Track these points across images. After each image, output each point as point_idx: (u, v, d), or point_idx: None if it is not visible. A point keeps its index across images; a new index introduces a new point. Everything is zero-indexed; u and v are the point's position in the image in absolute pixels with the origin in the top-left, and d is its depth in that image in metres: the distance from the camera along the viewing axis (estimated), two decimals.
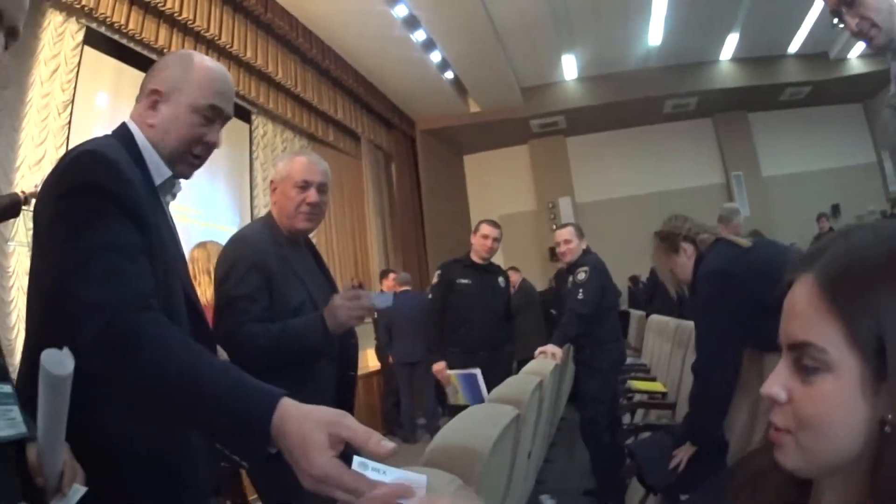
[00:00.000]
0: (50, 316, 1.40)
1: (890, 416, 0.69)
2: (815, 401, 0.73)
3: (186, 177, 1.82)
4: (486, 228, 4.91)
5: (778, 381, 0.77)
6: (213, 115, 1.78)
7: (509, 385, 2.70)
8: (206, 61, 1.81)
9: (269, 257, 2.43)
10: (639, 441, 3.46)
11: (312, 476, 1.00)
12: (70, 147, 6.18)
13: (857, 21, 2.17)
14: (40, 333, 1.47)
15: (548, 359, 4.17)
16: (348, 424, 1.03)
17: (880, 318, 0.70)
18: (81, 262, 1.33)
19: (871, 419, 0.70)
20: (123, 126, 1.72)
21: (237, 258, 2.42)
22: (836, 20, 2.21)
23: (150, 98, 1.72)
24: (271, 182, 2.65)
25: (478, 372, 4.19)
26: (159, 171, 1.69)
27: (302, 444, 1.02)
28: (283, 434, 1.06)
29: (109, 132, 1.71)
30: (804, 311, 0.76)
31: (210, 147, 1.80)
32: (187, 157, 1.76)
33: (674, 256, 2.99)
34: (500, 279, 5.03)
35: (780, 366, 0.79)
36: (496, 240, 4.92)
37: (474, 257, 4.93)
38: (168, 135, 1.71)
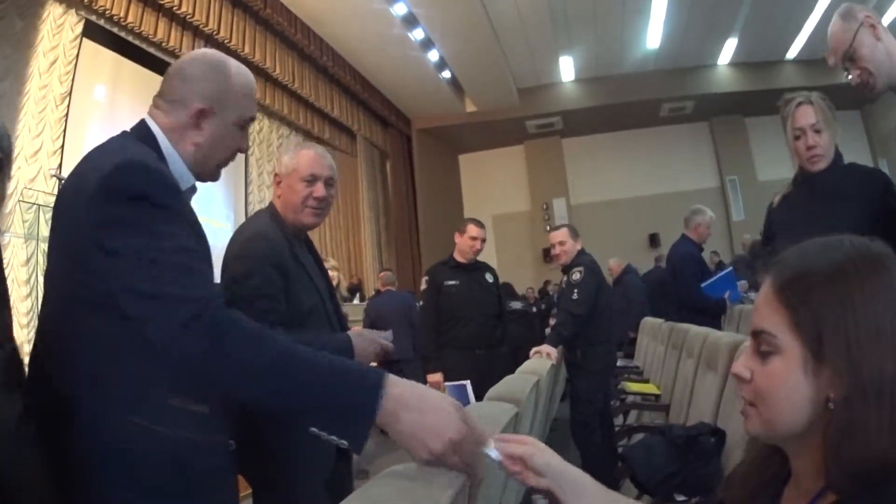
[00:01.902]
0: (91, 315, 1.39)
1: (832, 395, 0.84)
2: (767, 377, 0.90)
3: (214, 180, 1.80)
4: (473, 230, 4.85)
5: (743, 363, 0.94)
6: (250, 124, 1.79)
7: (507, 383, 2.69)
8: (240, 69, 1.77)
9: (287, 257, 2.34)
10: (631, 444, 3.46)
11: (451, 439, 1.07)
12: (66, 139, 6.17)
13: (857, 73, 2.35)
14: (74, 331, 1.42)
15: (543, 358, 4.17)
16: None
17: (819, 313, 0.86)
18: (154, 262, 1.31)
19: (815, 395, 0.86)
20: (146, 128, 1.65)
21: (260, 256, 2.28)
22: (846, 73, 2.38)
23: (194, 116, 1.64)
24: (276, 175, 2.51)
25: (467, 383, 4.26)
26: (183, 179, 1.64)
27: (436, 410, 1.09)
28: (404, 406, 1.10)
29: (128, 131, 1.66)
30: (762, 306, 0.93)
31: (239, 153, 1.79)
32: (220, 167, 1.77)
33: None
34: (488, 275, 4.96)
35: (746, 350, 0.96)
36: (483, 240, 4.89)
37: (459, 258, 4.87)
38: (214, 153, 1.71)
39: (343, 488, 2.30)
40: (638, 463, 2.92)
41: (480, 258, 4.96)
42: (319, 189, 2.44)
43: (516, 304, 9.82)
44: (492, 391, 2.49)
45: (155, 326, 1.25)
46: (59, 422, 1.36)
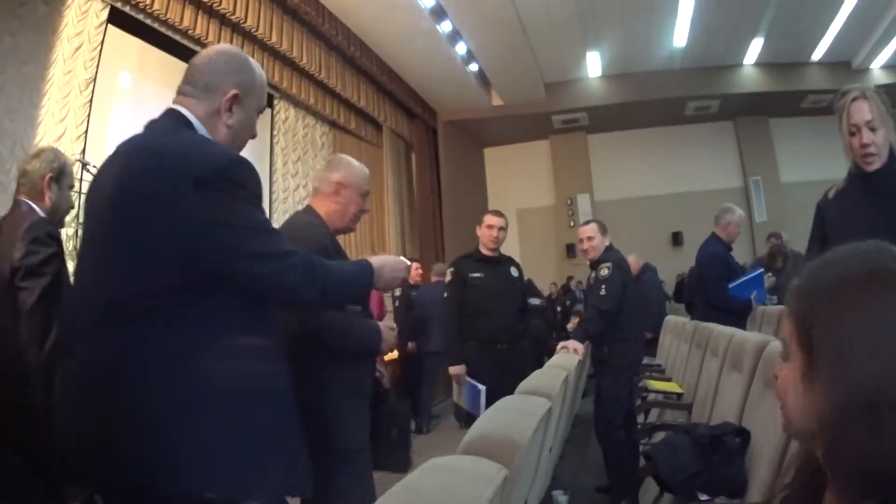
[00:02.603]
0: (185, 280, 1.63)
1: (825, 406, 0.86)
2: (781, 381, 0.96)
3: None
4: (489, 218, 4.87)
5: (778, 365, 0.99)
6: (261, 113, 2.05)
7: (537, 378, 2.72)
8: (257, 63, 2.04)
9: (332, 251, 2.62)
10: (656, 443, 3.47)
11: (405, 267, 2.28)
12: (90, 125, 6.21)
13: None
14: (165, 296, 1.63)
15: (570, 354, 4.19)
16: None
17: (814, 325, 0.88)
18: (258, 231, 1.75)
19: (813, 405, 0.88)
20: (181, 116, 1.84)
21: (312, 237, 2.56)
22: None
23: (229, 100, 1.87)
24: (338, 183, 2.77)
25: (483, 389, 4.36)
26: None
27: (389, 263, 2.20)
28: (380, 267, 2.15)
29: (167, 119, 1.86)
30: (785, 315, 0.96)
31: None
32: (240, 151, 1.96)
33: None
34: (513, 269, 4.96)
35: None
36: (502, 229, 4.87)
37: (483, 250, 4.88)
38: (239, 136, 1.95)
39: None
40: (662, 461, 2.92)
41: (506, 252, 4.97)
42: (367, 204, 2.88)
43: (535, 301, 9.86)
44: (523, 385, 2.52)
45: (283, 276, 1.75)
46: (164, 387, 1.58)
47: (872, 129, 2.51)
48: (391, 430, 4.81)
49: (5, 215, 2.93)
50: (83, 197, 4.18)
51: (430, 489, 1.04)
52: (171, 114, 1.86)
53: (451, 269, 4.94)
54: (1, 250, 2.68)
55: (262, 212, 1.81)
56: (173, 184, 1.63)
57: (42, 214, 2.85)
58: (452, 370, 4.70)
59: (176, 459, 1.54)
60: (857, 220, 2.52)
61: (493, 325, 4.67)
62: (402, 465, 4.46)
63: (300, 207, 2.56)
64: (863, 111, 2.51)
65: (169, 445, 1.54)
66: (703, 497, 2.66)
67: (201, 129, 1.83)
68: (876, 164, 2.55)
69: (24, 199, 2.88)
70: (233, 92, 1.87)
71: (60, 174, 2.95)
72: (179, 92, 1.90)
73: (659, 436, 3.98)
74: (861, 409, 0.81)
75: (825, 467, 0.89)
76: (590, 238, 4.92)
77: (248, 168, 1.75)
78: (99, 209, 1.76)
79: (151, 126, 1.87)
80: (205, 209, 1.62)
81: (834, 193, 2.82)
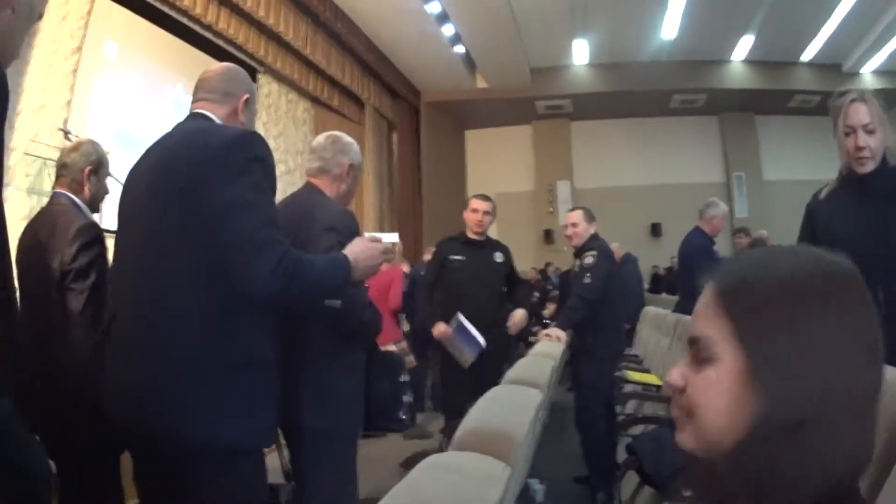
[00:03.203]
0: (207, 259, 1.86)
1: (756, 413, 0.78)
2: (702, 385, 0.83)
3: None
4: (475, 202, 4.78)
5: (678, 371, 0.87)
6: None
7: (525, 367, 2.68)
8: None
9: None
10: (640, 436, 3.44)
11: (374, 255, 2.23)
12: (74, 94, 6.14)
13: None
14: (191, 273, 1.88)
15: (552, 341, 4.14)
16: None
17: (758, 325, 0.80)
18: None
19: (745, 411, 0.79)
20: (207, 116, 2.18)
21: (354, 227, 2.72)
22: None
23: (244, 103, 2.29)
24: (350, 166, 2.93)
25: (460, 316, 4.45)
26: None
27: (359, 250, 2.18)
28: (354, 258, 2.14)
29: (194, 119, 2.19)
30: (704, 312, 0.86)
31: None
32: None
33: None
34: (498, 254, 4.87)
35: (682, 359, 0.89)
36: (487, 213, 4.75)
37: (469, 233, 4.80)
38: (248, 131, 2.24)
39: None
40: (647, 456, 2.91)
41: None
42: None
43: None
44: (511, 375, 2.48)
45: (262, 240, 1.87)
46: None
47: (869, 132, 2.49)
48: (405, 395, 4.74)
49: (44, 208, 3.11)
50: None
51: (436, 491, 0.98)
52: (198, 116, 2.19)
53: (433, 249, 4.91)
54: (44, 242, 2.85)
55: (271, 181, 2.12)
56: (207, 162, 1.91)
57: (83, 206, 3.03)
58: (436, 331, 4.61)
59: (215, 411, 1.86)
60: (850, 221, 2.51)
61: (471, 310, 4.57)
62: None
63: (280, 182, 2.48)
64: (860, 113, 2.49)
65: (209, 399, 1.85)
66: (688, 493, 2.63)
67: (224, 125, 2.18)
68: (869, 167, 2.53)
69: (64, 191, 3.03)
70: (246, 96, 2.30)
71: (99, 165, 3.10)
72: (200, 98, 2.23)
73: (638, 428, 3.96)
74: (790, 423, 0.76)
75: (730, 483, 0.80)
76: (574, 224, 4.86)
77: (261, 139, 2.12)
78: (138, 197, 2.01)
79: (183, 125, 2.18)
80: (227, 184, 1.89)
81: (826, 194, 2.79)
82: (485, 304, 4.65)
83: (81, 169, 3.02)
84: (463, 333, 4.44)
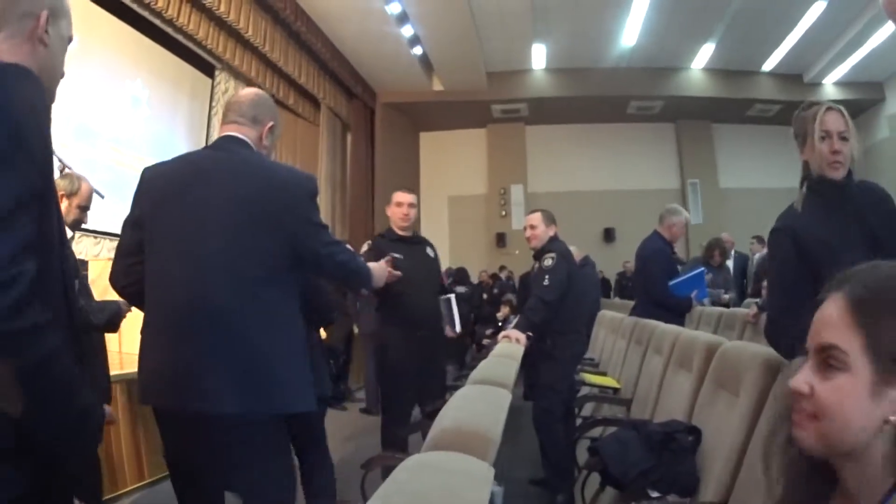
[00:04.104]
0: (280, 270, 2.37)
1: (892, 417, 0.86)
2: (833, 393, 0.90)
3: None
4: (398, 195, 4.61)
5: (803, 378, 0.94)
6: None
7: (489, 368, 2.66)
8: None
9: None
10: (604, 438, 3.43)
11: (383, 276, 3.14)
12: None
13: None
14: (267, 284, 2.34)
15: (512, 343, 4.11)
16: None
17: (893, 338, 0.87)
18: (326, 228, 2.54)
19: (878, 415, 0.87)
20: (242, 140, 2.50)
21: None
22: None
23: (268, 129, 2.59)
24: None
25: (452, 297, 4.82)
26: None
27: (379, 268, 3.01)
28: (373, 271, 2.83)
29: (231, 140, 2.50)
30: (833, 322, 0.92)
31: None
32: None
33: None
34: (429, 249, 4.74)
35: (805, 366, 0.96)
36: (412, 205, 4.60)
37: (395, 230, 4.61)
38: (271, 154, 2.74)
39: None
40: (612, 457, 2.88)
41: (436, 238, 4.82)
42: None
43: (461, 289, 9.82)
44: (476, 375, 2.44)
45: (341, 257, 2.52)
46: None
47: (843, 139, 2.52)
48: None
49: None
50: None
51: (428, 490, 0.94)
52: (234, 138, 2.49)
53: (369, 243, 4.77)
54: None
55: None
56: (297, 197, 2.40)
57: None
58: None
59: (293, 383, 2.34)
60: (835, 234, 2.49)
61: (414, 309, 4.41)
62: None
63: None
64: (837, 121, 2.53)
65: (285, 373, 2.31)
66: (654, 494, 2.63)
67: (255, 148, 2.53)
68: (841, 172, 2.55)
69: None
70: (271, 123, 2.59)
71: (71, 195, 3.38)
72: (232, 121, 2.52)
73: (595, 431, 3.96)
74: None
75: (847, 479, 0.91)
76: (533, 227, 4.84)
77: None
78: (212, 206, 2.32)
79: (224, 146, 2.50)
80: (311, 213, 2.44)
81: (802, 205, 2.72)
82: (427, 302, 4.53)
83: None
84: (448, 309, 4.64)
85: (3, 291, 1.21)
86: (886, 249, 2.34)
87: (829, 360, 0.90)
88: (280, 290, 2.35)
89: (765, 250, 8.89)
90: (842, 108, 2.56)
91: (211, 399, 2.16)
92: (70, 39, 1.85)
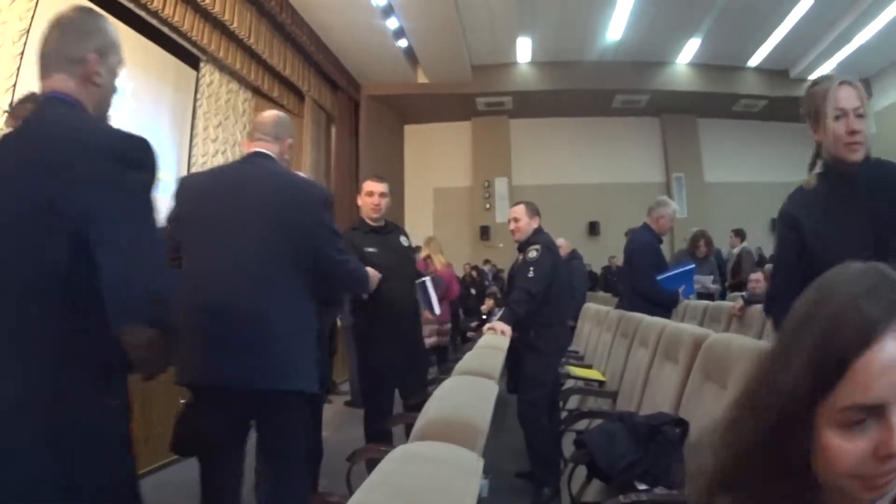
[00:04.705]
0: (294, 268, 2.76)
1: None
2: None
3: None
4: (369, 184, 4.45)
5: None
6: None
7: (475, 359, 2.65)
8: None
9: None
10: (590, 430, 3.42)
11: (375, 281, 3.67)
12: (19, 77, 6.13)
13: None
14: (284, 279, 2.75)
15: (497, 335, 4.09)
16: None
17: None
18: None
19: None
20: (268, 155, 2.89)
21: None
22: None
23: (288, 147, 3.00)
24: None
25: (427, 279, 5.03)
26: None
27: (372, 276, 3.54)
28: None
29: (259, 155, 2.89)
30: None
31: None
32: None
33: None
34: (403, 238, 4.59)
35: (883, 425, 0.77)
36: (383, 195, 4.42)
37: (367, 220, 4.44)
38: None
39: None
40: (599, 449, 2.87)
41: (420, 230, 4.76)
42: None
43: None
44: (462, 366, 2.42)
45: (352, 265, 3.05)
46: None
47: (859, 116, 2.29)
48: None
49: None
50: None
51: (417, 482, 0.91)
52: (262, 154, 2.88)
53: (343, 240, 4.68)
54: None
55: None
56: (314, 203, 2.82)
57: None
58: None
59: (300, 366, 2.72)
60: (853, 227, 2.33)
61: (393, 302, 4.30)
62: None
63: None
64: (851, 97, 2.30)
65: (298, 357, 2.71)
66: (642, 486, 2.61)
67: (279, 161, 2.92)
68: (860, 154, 2.33)
69: None
70: (289, 141, 3.00)
71: None
72: (258, 138, 2.90)
73: (581, 424, 3.94)
74: None
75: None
76: (516, 219, 4.81)
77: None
78: (251, 210, 2.72)
79: (254, 160, 2.88)
80: (325, 217, 2.83)
81: (811, 195, 2.56)
82: (405, 294, 4.46)
83: None
84: (424, 293, 4.82)
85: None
86: (890, 245, 2.19)
87: None
88: (300, 285, 2.76)
89: (742, 244, 8.99)
90: (855, 81, 2.34)
91: (242, 377, 2.56)
92: (122, 66, 2.03)
